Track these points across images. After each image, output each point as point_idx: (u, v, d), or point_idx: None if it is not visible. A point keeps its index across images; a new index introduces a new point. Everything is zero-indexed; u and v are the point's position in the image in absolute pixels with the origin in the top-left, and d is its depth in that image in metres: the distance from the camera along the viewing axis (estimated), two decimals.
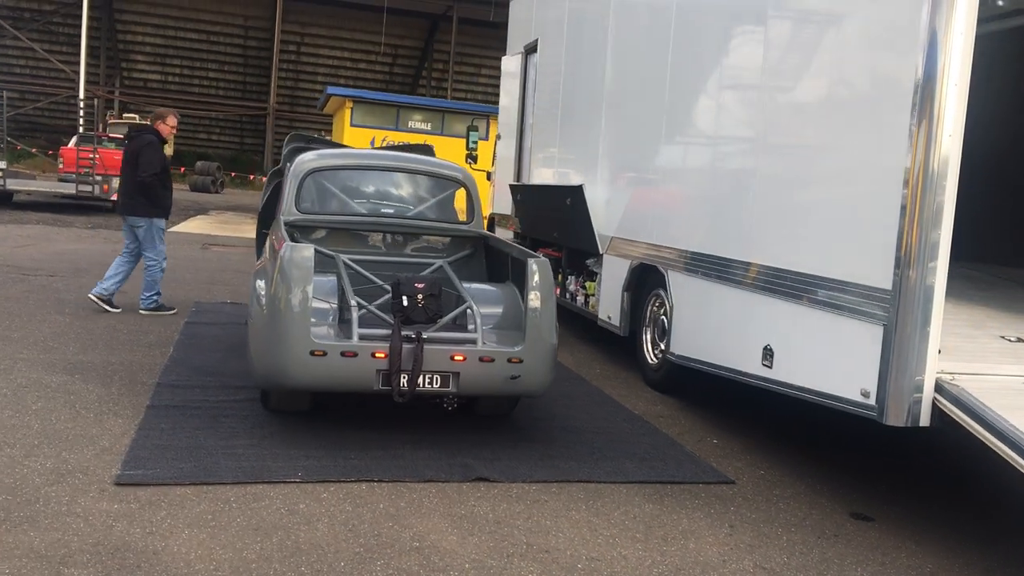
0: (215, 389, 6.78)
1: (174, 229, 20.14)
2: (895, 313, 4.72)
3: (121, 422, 5.88)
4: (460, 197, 7.41)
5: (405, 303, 5.71)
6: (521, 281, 6.45)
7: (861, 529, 5.07)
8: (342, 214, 7.18)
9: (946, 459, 6.68)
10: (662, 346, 7.83)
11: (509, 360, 5.73)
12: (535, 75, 11.52)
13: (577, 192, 8.99)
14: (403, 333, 5.59)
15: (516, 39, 12.66)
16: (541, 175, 10.88)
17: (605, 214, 8.79)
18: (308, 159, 7.32)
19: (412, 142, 12.76)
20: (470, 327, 5.86)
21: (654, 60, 7.86)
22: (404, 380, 5.55)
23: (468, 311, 5.94)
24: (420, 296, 5.75)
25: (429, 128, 22.10)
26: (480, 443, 5.95)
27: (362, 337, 5.58)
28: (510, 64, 12.62)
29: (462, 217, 7.38)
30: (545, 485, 5.32)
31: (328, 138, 9.66)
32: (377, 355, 5.52)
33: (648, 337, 8.12)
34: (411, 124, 21.95)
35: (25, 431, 5.57)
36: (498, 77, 13.74)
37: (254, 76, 47.86)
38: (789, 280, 5.61)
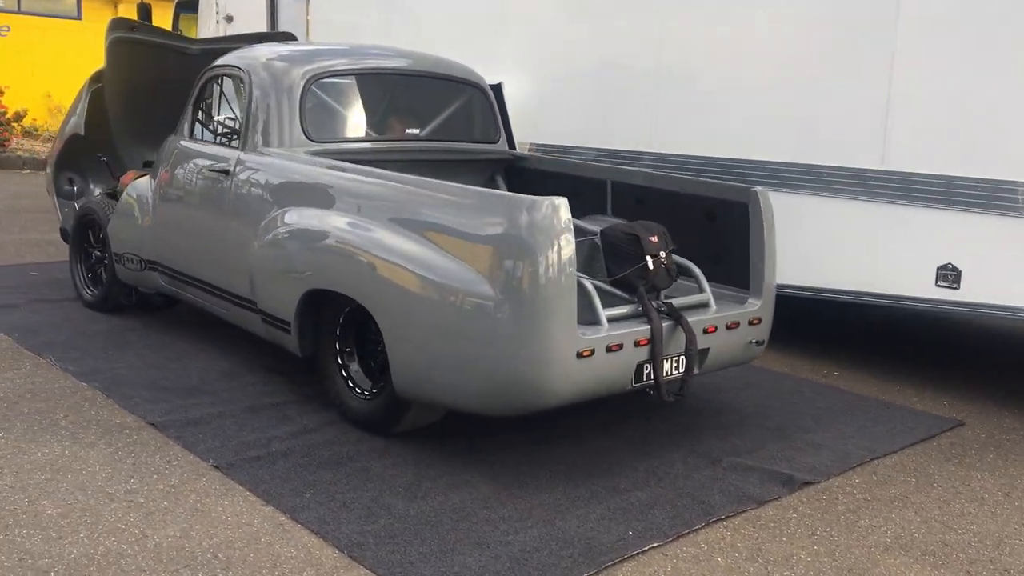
0: (246, 417, 4.55)
1: None
2: None
3: (233, 507, 3.63)
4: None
5: (651, 265, 4.15)
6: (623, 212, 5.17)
7: None
8: (364, 139, 5.12)
9: None
10: None
11: (750, 322, 4.49)
12: None
13: (494, 92, 7.39)
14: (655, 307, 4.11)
15: None
16: None
17: (535, 119, 7.33)
18: (290, 60, 5.07)
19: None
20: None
21: None
22: (677, 368, 4.11)
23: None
24: (663, 254, 4.22)
25: (2, 5, 17.24)
26: (689, 431, 4.67)
27: (610, 320, 3.97)
28: None
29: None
30: (859, 473, 4.28)
31: (154, 25, 6.78)
32: (641, 343, 3.98)
33: None
34: None
35: (153, 559, 3.19)
36: None
37: None
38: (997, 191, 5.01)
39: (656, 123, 6.58)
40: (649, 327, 3.98)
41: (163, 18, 13.40)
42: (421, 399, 4.05)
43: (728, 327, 4.36)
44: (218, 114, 5.36)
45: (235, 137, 5.16)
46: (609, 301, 4.08)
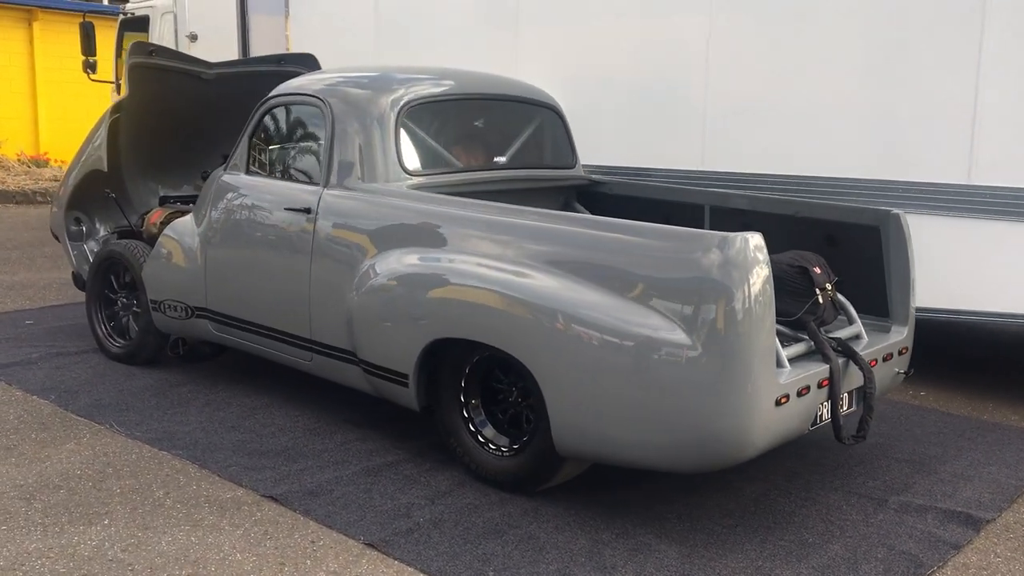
0: (367, 482, 4.14)
1: None
2: None
3: None
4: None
5: (820, 299, 3.91)
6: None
7: None
8: (457, 170, 4.75)
9: None
10: None
11: (900, 352, 4.30)
12: None
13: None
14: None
15: None
16: None
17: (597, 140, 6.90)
18: (372, 87, 4.66)
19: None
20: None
21: None
22: (854, 406, 3.90)
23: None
24: (830, 286, 3.98)
25: None
26: (827, 468, 4.44)
27: (790, 361, 3.72)
28: None
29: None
30: None
31: (172, 49, 6.24)
32: (823, 383, 3.73)
33: None
34: None
35: None
36: None
37: None
38: None
39: (706, 140, 6.36)
40: (828, 366, 3.74)
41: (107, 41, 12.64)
42: (587, 456, 3.71)
43: (884, 359, 4.16)
44: (284, 147, 4.90)
45: (312, 172, 4.72)
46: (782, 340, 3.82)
